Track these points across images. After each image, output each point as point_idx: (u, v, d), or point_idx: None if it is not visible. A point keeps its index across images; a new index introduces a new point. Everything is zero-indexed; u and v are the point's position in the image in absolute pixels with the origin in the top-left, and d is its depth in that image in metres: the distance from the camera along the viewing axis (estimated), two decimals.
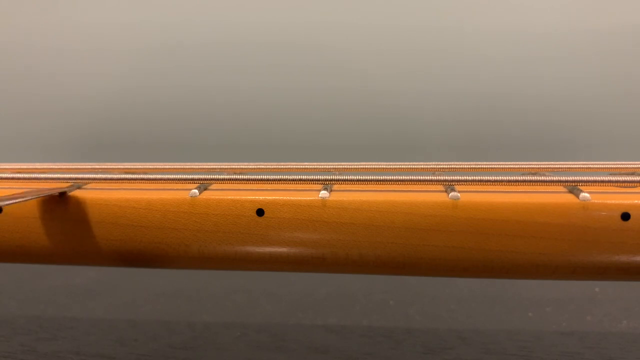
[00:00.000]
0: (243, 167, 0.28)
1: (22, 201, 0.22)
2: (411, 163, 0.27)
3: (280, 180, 0.24)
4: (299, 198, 0.23)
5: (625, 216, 0.21)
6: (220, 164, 0.29)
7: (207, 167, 0.28)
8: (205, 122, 0.62)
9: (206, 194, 0.23)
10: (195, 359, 0.34)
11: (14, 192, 0.22)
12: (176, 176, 0.24)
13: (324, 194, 0.22)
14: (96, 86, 0.62)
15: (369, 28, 0.58)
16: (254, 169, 0.28)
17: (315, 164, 0.28)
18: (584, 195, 0.21)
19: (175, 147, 0.62)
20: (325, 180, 0.24)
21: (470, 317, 0.40)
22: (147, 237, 0.23)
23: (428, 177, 0.23)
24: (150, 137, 0.63)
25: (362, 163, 0.28)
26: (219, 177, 0.24)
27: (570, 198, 0.21)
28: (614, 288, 0.44)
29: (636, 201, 0.21)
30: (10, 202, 0.21)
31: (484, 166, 0.26)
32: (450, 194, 0.22)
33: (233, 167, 0.28)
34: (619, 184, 0.22)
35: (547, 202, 0.21)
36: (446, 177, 0.24)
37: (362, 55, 0.59)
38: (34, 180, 0.25)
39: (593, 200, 0.21)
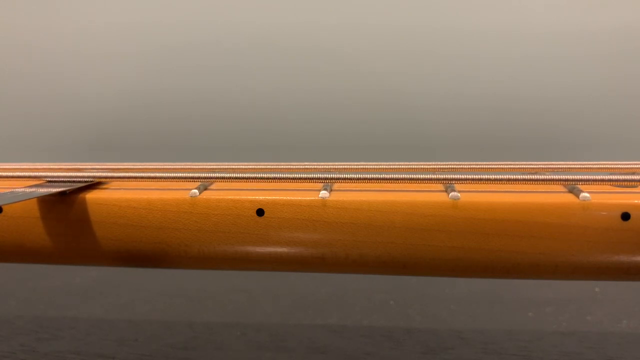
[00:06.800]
0: (243, 167, 0.28)
1: (22, 200, 0.22)
2: (411, 163, 0.27)
3: (280, 178, 0.24)
4: (299, 198, 0.23)
5: (625, 216, 0.21)
6: (220, 164, 0.28)
7: (207, 167, 0.28)
8: (205, 123, 0.62)
9: (206, 194, 0.23)
10: (195, 359, 0.34)
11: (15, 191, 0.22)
12: (176, 176, 0.24)
13: (324, 194, 0.22)
14: (96, 87, 0.62)
15: (370, 28, 0.58)
16: (254, 169, 0.28)
17: (315, 164, 0.28)
18: (584, 195, 0.21)
19: (175, 147, 0.62)
20: (325, 179, 0.24)
21: (470, 317, 0.40)
22: (147, 237, 0.23)
23: (428, 177, 0.23)
24: (151, 137, 0.63)
25: (362, 163, 0.28)
26: (219, 176, 0.24)
27: (570, 198, 0.21)
28: (614, 288, 0.43)
29: (636, 201, 0.21)
30: (10, 201, 0.21)
31: (484, 166, 0.26)
32: (450, 194, 0.22)
33: (233, 167, 0.28)
34: (619, 184, 0.22)
35: (547, 202, 0.21)
36: (446, 177, 0.24)
37: (362, 56, 0.59)
38: (34, 179, 0.25)
39: (593, 200, 0.21)
